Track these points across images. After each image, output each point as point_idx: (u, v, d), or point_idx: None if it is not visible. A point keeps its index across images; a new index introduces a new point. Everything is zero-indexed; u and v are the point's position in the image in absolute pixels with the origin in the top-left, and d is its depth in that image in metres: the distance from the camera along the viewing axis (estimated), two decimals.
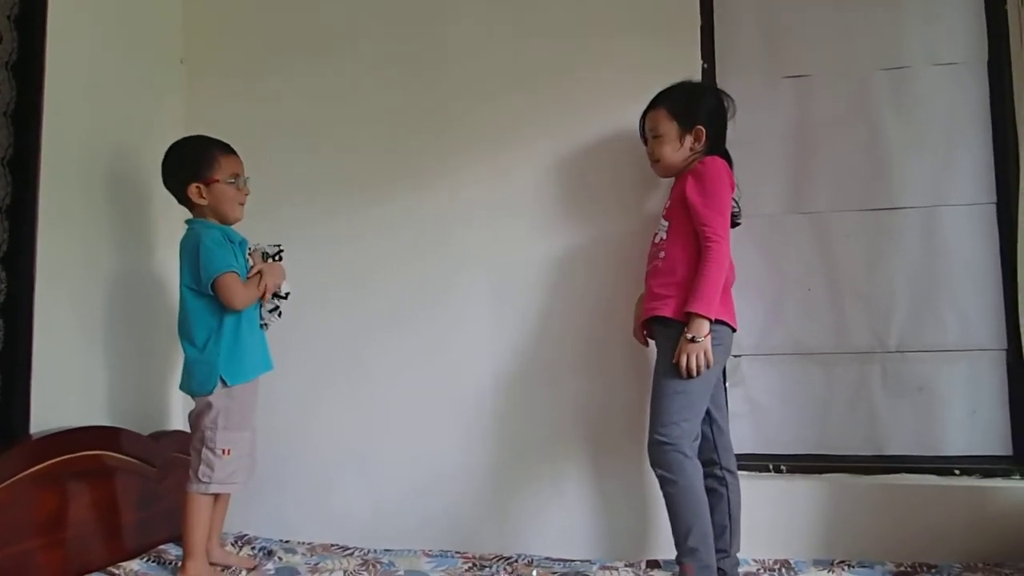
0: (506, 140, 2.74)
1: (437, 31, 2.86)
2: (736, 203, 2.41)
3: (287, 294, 2.41)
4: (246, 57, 3.01)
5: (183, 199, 2.40)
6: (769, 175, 2.71)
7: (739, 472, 2.56)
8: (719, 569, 2.24)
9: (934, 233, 2.60)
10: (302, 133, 2.92)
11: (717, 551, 2.23)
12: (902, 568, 2.33)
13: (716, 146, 2.40)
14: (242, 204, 2.42)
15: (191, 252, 2.31)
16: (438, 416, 2.73)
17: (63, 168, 2.41)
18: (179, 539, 2.59)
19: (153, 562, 2.43)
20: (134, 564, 2.38)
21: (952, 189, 2.60)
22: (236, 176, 2.39)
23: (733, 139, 2.68)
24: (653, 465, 2.22)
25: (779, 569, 2.37)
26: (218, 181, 2.36)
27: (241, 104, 2.97)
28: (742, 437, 2.65)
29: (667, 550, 2.45)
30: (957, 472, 2.49)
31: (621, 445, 2.61)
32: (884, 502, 2.48)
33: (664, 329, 2.29)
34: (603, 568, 2.42)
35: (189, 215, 2.44)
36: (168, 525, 2.60)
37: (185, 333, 2.35)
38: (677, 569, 2.19)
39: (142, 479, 2.53)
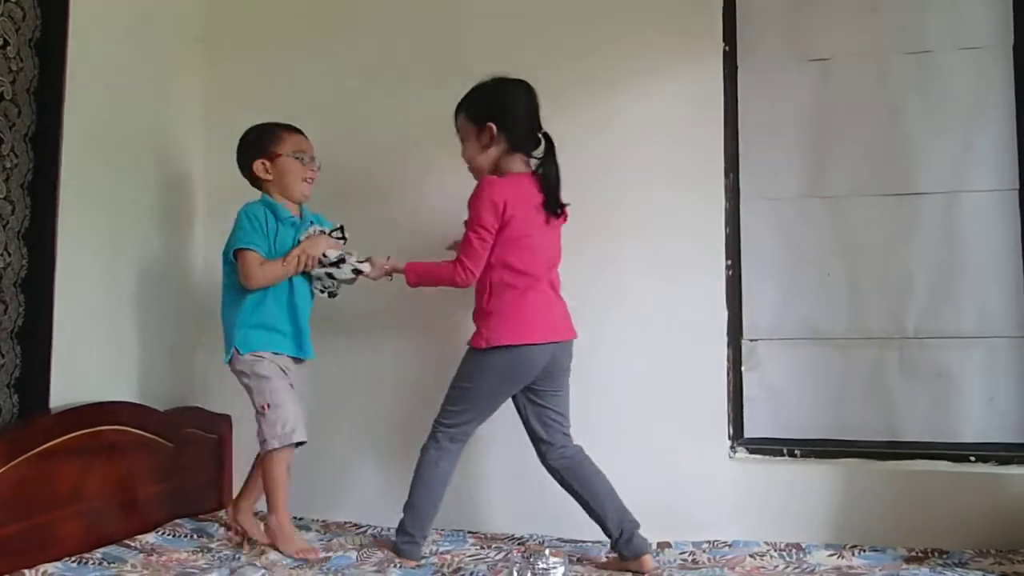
0: None
1: (456, 7, 2.85)
2: (562, 203, 2.37)
3: (339, 259, 2.38)
4: (264, 36, 3.01)
5: (253, 179, 2.44)
6: (789, 158, 2.70)
7: (754, 455, 2.57)
8: (618, 553, 2.30)
9: (954, 219, 2.58)
10: (320, 111, 2.92)
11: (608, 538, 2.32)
12: (915, 553, 2.33)
13: (521, 143, 2.34)
14: (307, 181, 2.44)
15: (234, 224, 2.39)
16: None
17: (84, 145, 2.43)
18: (195, 514, 2.64)
19: (169, 535, 2.46)
20: (150, 537, 2.41)
21: (973, 175, 2.57)
22: (302, 152, 2.42)
23: (754, 122, 2.68)
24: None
25: (791, 551, 2.37)
26: (281, 155, 2.39)
27: (259, 83, 2.98)
28: (757, 421, 2.65)
29: (679, 532, 2.47)
30: (973, 459, 2.47)
31: (630, 429, 2.61)
32: (899, 488, 2.47)
33: (466, 356, 2.36)
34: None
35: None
36: (184, 500, 2.65)
37: (222, 297, 2.43)
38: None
39: (159, 454, 2.56)
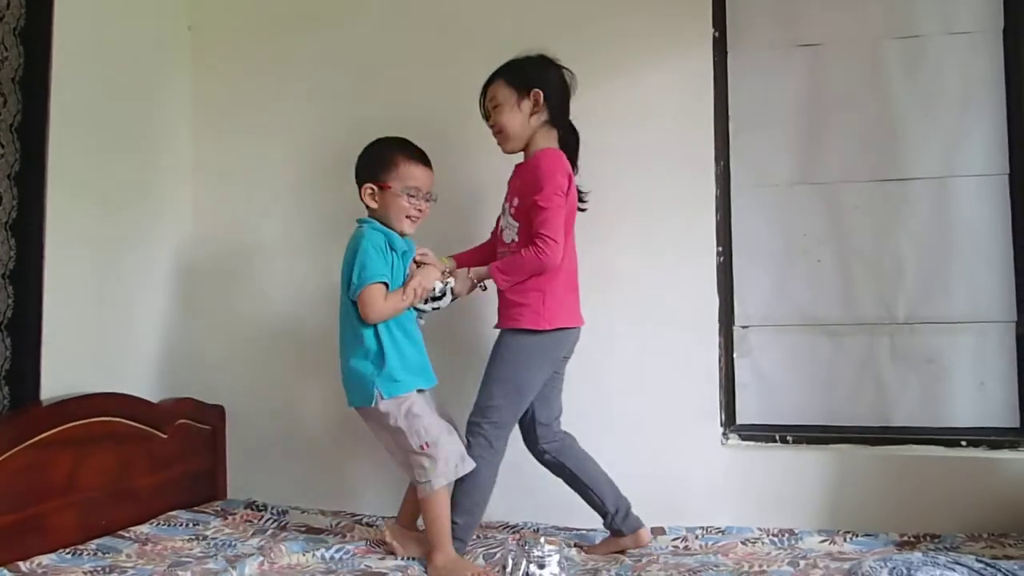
0: None
1: (447, 2, 2.84)
2: (580, 190, 2.37)
3: (443, 292, 2.27)
4: (254, 24, 2.99)
5: (361, 199, 2.29)
6: (779, 145, 2.69)
7: (746, 442, 2.58)
8: (613, 530, 2.33)
9: (945, 204, 2.58)
10: (312, 100, 2.91)
11: (602, 516, 2.34)
12: (907, 538, 2.35)
13: (558, 118, 2.33)
14: (411, 218, 2.27)
15: (352, 255, 2.22)
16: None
17: (71, 134, 2.42)
18: (189, 504, 2.64)
19: (164, 525, 2.46)
20: (144, 528, 2.42)
21: (964, 160, 2.57)
22: (416, 190, 2.26)
23: (745, 108, 2.67)
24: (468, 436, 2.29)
25: (783, 537, 2.39)
26: (390, 188, 2.25)
27: (248, 71, 2.96)
28: (749, 407, 2.66)
29: (671, 518, 2.48)
30: (964, 444, 2.49)
31: (622, 416, 2.61)
32: (891, 473, 2.48)
33: (517, 338, 2.27)
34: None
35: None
36: (178, 490, 2.64)
37: (346, 340, 2.28)
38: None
39: (152, 445, 2.56)
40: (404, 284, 2.23)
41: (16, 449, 2.11)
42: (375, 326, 2.20)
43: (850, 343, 2.63)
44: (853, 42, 2.66)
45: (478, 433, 2.26)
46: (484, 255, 2.43)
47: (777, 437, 2.61)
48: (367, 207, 2.29)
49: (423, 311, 2.30)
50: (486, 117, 2.38)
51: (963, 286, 2.56)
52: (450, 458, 2.19)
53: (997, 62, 2.56)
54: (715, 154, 2.65)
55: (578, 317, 2.34)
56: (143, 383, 2.66)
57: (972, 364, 2.55)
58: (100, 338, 2.57)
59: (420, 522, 2.34)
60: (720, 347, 2.63)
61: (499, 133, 2.33)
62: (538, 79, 2.30)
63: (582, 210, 2.39)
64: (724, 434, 2.62)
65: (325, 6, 2.92)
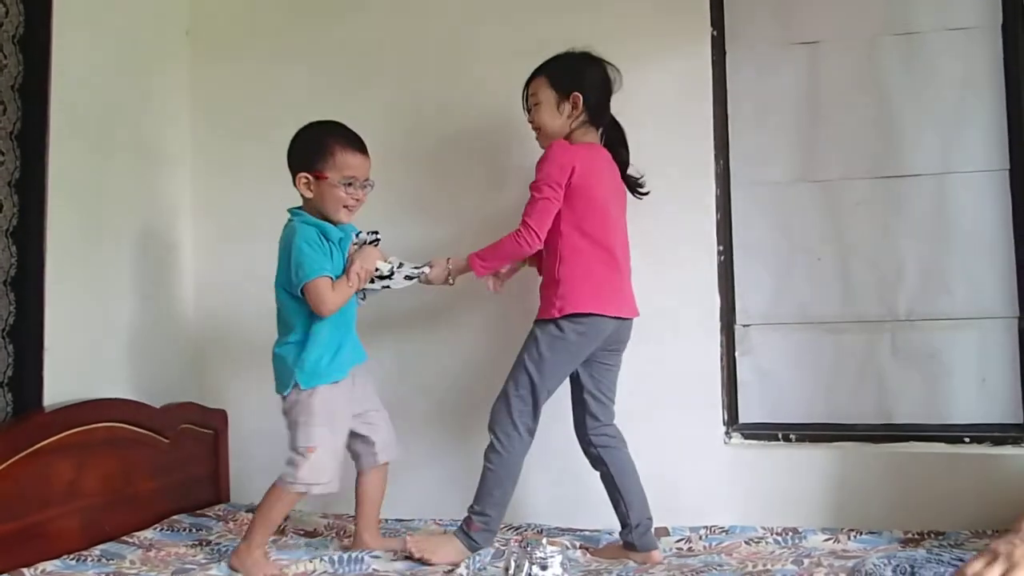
0: (518, 106, 2.72)
1: (446, 2, 2.84)
2: (635, 177, 2.42)
3: (391, 271, 2.27)
4: (252, 29, 2.99)
5: (295, 185, 2.25)
6: (778, 143, 2.69)
7: (749, 441, 2.58)
8: (627, 542, 2.30)
9: (945, 201, 2.58)
10: (309, 105, 2.90)
11: (621, 525, 2.31)
12: (910, 535, 2.34)
13: (597, 116, 2.35)
14: (348, 208, 2.23)
15: (286, 251, 2.20)
16: (444, 386, 2.75)
17: (71, 141, 2.42)
18: (192, 509, 2.64)
19: (167, 530, 2.46)
20: (148, 533, 2.42)
21: (964, 156, 2.57)
22: (353, 179, 2.21)
23: (743, 107, 2.67)
24: (490, 425, 2.29)
25: (787, 536, 2.38)
26: (327, 179, 2.19)
27: (247, 76, 2.96)
28: (751, 406, 2.66)
29: (675, 518, 2.48)
30: (967, 440, 2.49)
31: (624, 416, 2.61)
32: (893, 470, 2.48)
33: (536, 327, 2.30)
34: (611, 537, 2.44)
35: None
36: (180, 495, 2.64)
37: (279, 328, 2.27)
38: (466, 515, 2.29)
39: (154, 450, 2.56)
40: (345, 270, 2.21)
41: (19, 456, 2.10)
42: (308, 317, 2.19)
43: (851, 340, 2.63)
44: (851, 39, 2.66)
45: (505, 424, 2.26)
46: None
47: (779, 435, 2.61)
48: (301, 196, 2.26)
49: (371, 290, 2.30)
50: (527, 110, 2.40)
51: (964, 282, 2.56)
52: (321, 472, 2.17)
53: (996, 57, 2.56)
54: (714, 153, 2.65)
55: (603, 305, 2.27)
56: (145, 388, 2.66)
57: (974, 360, 2.54)
58: (102, 344, 2.57)
59: (428, 526, 2.34)
60: (722, 346, 2.63)
61: (537, 130, 2.37)
62: (579, 81, 2.31)
63: (641, 195, 2.43)
64: (726, 433, 2.62)
65: (323, 11, 2.92)
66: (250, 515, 2.62)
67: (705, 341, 2.62)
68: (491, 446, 2.28)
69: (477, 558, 2.20)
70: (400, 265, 2.30)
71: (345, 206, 2.23)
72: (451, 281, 2.34)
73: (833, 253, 2.65)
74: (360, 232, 2.29)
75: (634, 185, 2.44)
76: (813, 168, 2.67)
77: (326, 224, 2.23)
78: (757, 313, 2.68)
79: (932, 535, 2.33)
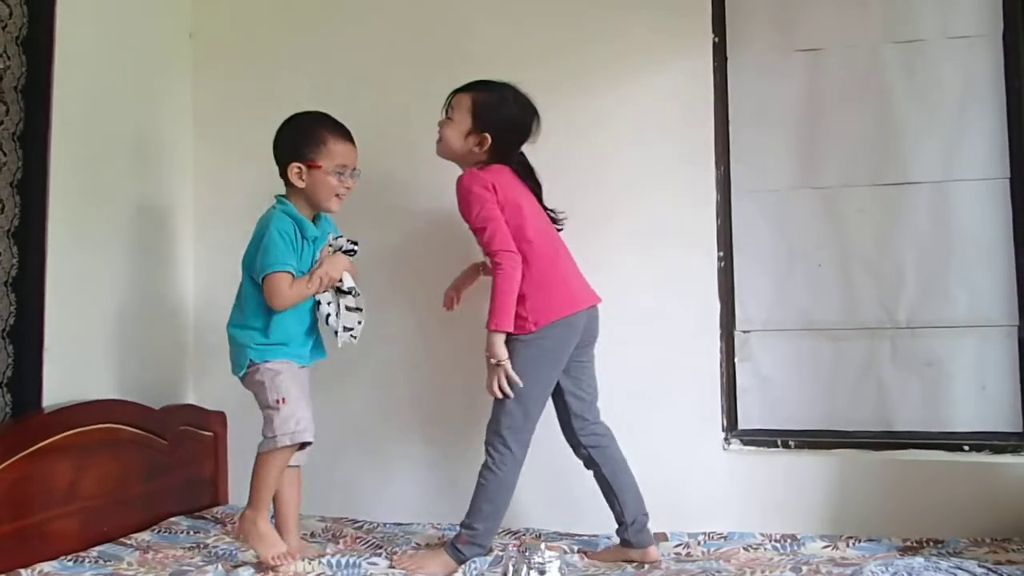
0: None
1: (447, 5, 2.85)
2: (551, 212, 2.41)
3: (351, 289, 2.26)
4: (254, 31, 3.00)
5: (283, 175, 2.26)
6: (779, 150, 2.70)
7: (748, 447, 2.58)
8: (623, 539, 2.31)
9: (945, 208, 2.58)
10: (311, 107, 2.90)
11: (617, 523, 2.32)
12: (909, 543, 2.34)
13: (499, 157, 2.33)
14: (339, 196, 2.26)
15: (259, 236, 2.21)
16: (443, 389, 2.75)
17: (73, 142, 2.42)
18: (190, 511, 2.64)
19: (165, 532, 2.46)
20: (146, 535, 2.41)
21: (964, 164, 2.57)
22: (344, 167, 2.24)
23: (745, 113, 2.68)
24: (486, 444, 2.29)
25: (786, 543, 2.38)
26: (320, 168, 2.21)
27: (249, 78, 2.97)
28: (750, 412, 2.66)
29: (673, 524, 2.48)
30: (966, 448, 2.49)
31: (624, 422, 2.61)
32: (893, 478, 2.48)
33: (509, 345, 2.25)
34: (610, 542, 2.44)
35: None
36: (179, 497, 2.64)
37: (235, 308, 2.29)
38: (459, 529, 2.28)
39: (153, 452, 2.56)
40: (311, 271, 2.22)
41: (18, 456, 2.10)
42: (267, 309, 2.20)
43: (851, 347, 2.63)
44: (852, 46, 2.66)
45: (497, 442, 2.27)
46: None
47: (779, 442, 2.61)
48: (291, 186, 2.25)
49: (349, 332, 2.27)
50: (444, 113, 2.38)
51: (964, 289, 2.56)
52: (295, 420, 2.17)
53: (996, 65, 2.57)
54: (715, 159, 2.66)
55: (573, 303, 2.30)
56: (144, 390, 2.66)
57: (974, 368, 2.54)
58: (101, 345, 2.57)
59: (425, 530, 2.33)
60: (721, 352, 2.63)
61: (439, 140, 2.37)
62: (495, 123, 2.30)
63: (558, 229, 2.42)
64: (726, 439, 2.62)
65: (327, 15, 2.93)
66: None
67: (705, 347, 2.62)
68: (485, 463, 2.29)
69: (474, 565, 2.19)
70: (357, 294, 2.28)
71: (337, 195, 2.25)
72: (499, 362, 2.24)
73: (833, 260, 2.65)
74: (340, 237, 2.31)
75: (554, 219, 2.43)
76: (814, 175, 2.68)
77: (306, 221, 2.25)
78: (757, 319, 2.68)
79: (931, 543, 2.32)
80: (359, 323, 2.29)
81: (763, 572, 2.13)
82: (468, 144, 2.31)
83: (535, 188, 2.40)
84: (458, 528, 2.30)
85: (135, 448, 2.50)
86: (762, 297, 2.68)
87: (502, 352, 2.21)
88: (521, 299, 2.24)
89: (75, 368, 2.44)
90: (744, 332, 2.68)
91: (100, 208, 2.57)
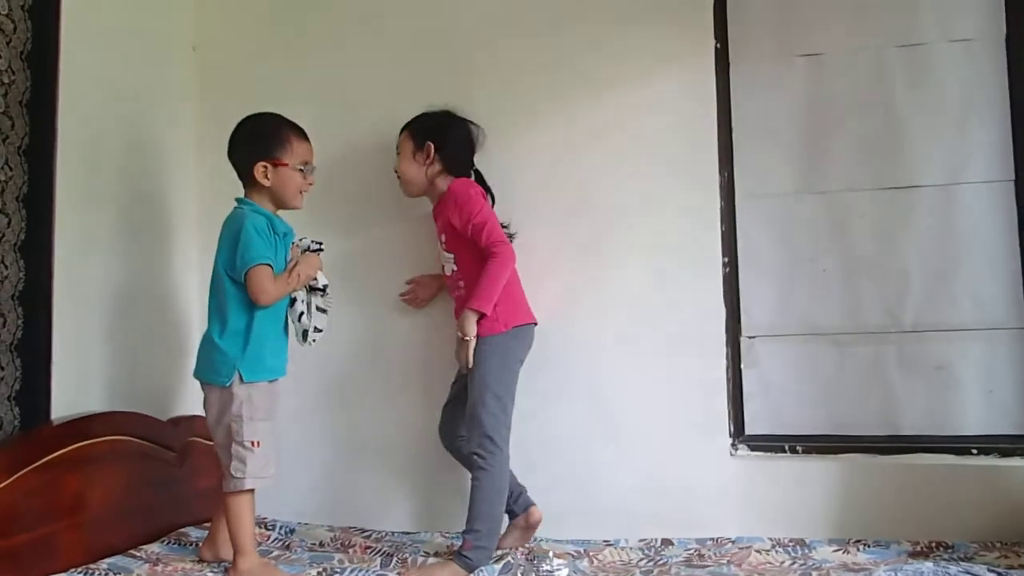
0: (520, 123, 2.74)
1: (450, 17, 2.85)
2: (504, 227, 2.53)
3: (325, 287, 2.33)
4: (258, 43, 3.01)
5: (245, 175, 2.30)
6: (783, 155, 2.70)
7: (755, 453, 2.59)
8: (511, 512, 2.46)
9: (950, 211, 2.58)
10: (315, 119, 2.91)
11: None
12: (918, 547, 2.33)
13: (454, 167, 2.54)
14: (303, 193, 2.34)
15: (232, 235, 2.23)
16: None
17: (78, 156, 2.43)
18: (199, 522, 2.64)
19: (174, 544, 2.46)
20: (155, 547, 2.41)
21: (968, 167, 2.57)
22: (306, 164, 2.31)
23: (747, 119, 2.68)
24: (472, 445, 2.37)
25: (794, 547, 2.38)
26: (287, 165, 2.28)
27: (253, 90, 2.96)
28: (757, 418, 2.66)
29: (681, 530, 2.48)
30: (974, 451, 2.48)
31: (630, 429, 2.61)
32: (900, 482, 2.47)
33: (480, 346, 2.40)
34: (616, 548, 2.44)
35: (221, 191, 2.40)
36: (187, 508, 2.64)
37: (214, 315, 2.28)
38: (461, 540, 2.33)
39: (161, 463, 2.56)
40: (288, 269, 2.27)
41: (27, 469, 2.10)
42: (250, 309, 2.22)
43: (857, 352, 2.62)
44: (855, 51, 2.67)
45: (486, 443, 2.34)
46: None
47: (786, 447, 2.61)
48: (256, 185, 2.29)
49: (319, 332, 2.34)
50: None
51: (970, 293, 2.56)
52: (266, 465, 2.22)
53: (1000, 69, 2.57)
54: (719, 165, 2.66)
55: (530, 314, 2.51)
56: (152, 402, 2.66)
57: (980, 371, 2.54)
58: (109, 357, 2.57)
59: (433, 538, 2.33)
60: (727, 358, 2.63)
61: (399, 178, 2.59)
62: (434, 133, 2.51)
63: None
64: (733, 445, 2.61)
65: (331, 27, 2.94)
66: (257, 528, 2.64)
67: (711, 353, 2.62)
68: (475, 464, 2.34)
69: (483, 573, 2.19)
70: (328, 294, 2.36)
71: (302, 191, 2.33)
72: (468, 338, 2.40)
73: (838, 265, 2.65)
74: (304, 238, 2.36)
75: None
76: (817, 180, 2.68)
77: (275, 216, 2.31)
78: (763, 325, 2.68)
79: (940, 547, 2.32)
80: (322, 330, 2.36)
81: None
82: (420, 163, 2.52)
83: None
84: (462, 537, 2.32)
85: (144, 460, 2.50)
86: (767, 303, 2.68)
87: (473, 330, 2.37)
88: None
89: (83, 381, 2.44)
90: (750, 338, 2.68)
91: (105, 221, 2.58)
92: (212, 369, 2.25)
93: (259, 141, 2.29)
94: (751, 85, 2.71)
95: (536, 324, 2.52)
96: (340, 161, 2.85)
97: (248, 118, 2.36)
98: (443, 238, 2.53)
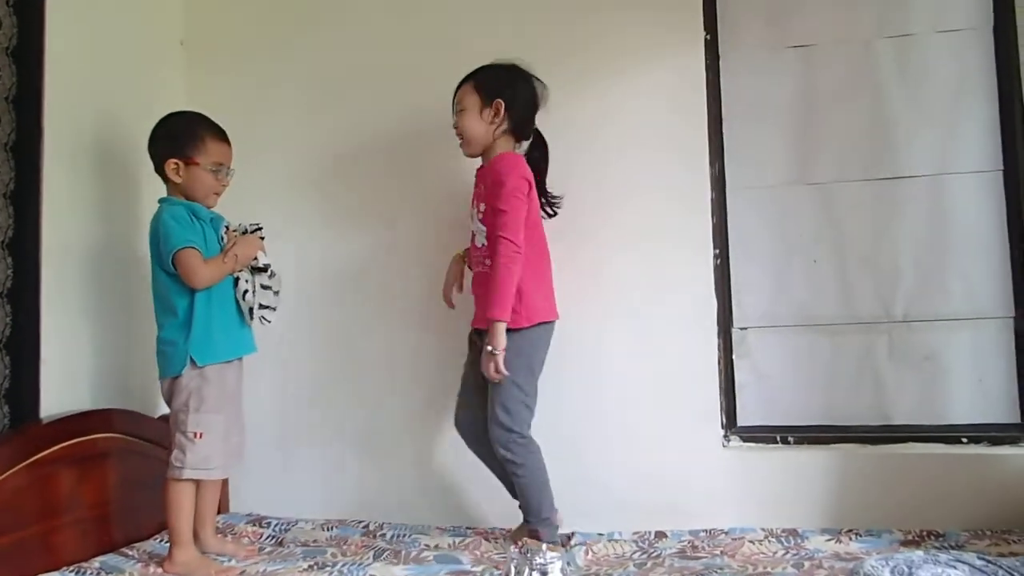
0: None
1: (439, 8, 2.84)
2: (553, 195, 2.49)
3: (267, 266, 2.35)
4: (246, 39, 2.99)
5: (159, 171, 2.32)
6: (773, 146, 2.70)
7: (747, 443, 2.60)
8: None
9: (940, 201, 2.59)
10: (304, 113, 2.91)
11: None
12: (910, 536, 2.34)
13: (521, 128, 2.42)
14: (217, 195, 2.34)
15: (154, 231, 2.25)
16: (451, 393, 2.75)
17: (65, 152, 2.42)
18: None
19: (167, 542, 2.45)
20: (147, 545, 2.41)
21: (958, 157, 2.58)
22: (219, 165, 2.31)
23: (738, 110, 2.68)
24: (498, 447, 2.33)
25: (787, 538, 2.38)
26: (198, 164, 2.28)
27: (241, 86, 2.96)
28: (749, 409, 2.66)
29: (674, 522, 2.48)
30: (965, 440, 2.49)
31: (622, 420, 2.62)
32: (892, 471, 2.48)
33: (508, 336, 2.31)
34: (610, 541, 2.44)
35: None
36: None
37: (159, 314, 2.29)
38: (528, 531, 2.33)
39: (152, 460, 2.54)
40: (224, 250, 2.28)
41: (17, 467, 2.09)
42: (190, 295, 2.22)
43: (848, 342, 2.63)
44: (845, 42, 2.67)
45: (514, 438, 2.31)
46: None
47: (778, 438, 2.61)
48: (170, 182, 2.30)
49: (244, 300, 2.31)
50: (454, 116, 2.44)
51: (960, 282, 2.57)
52: (209, 457, 2.23)
53: (988, 58, 2.57)
54: (710, 156, 2.66)
55: (554, 311, 2.43)
56: (142, 399, 2.65)
57: (971, 360, 2.55)
58: (98, 355, 2.56)
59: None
60: (719, 349, 2.64)
61: (460, 136, 2.41)
62: (504, 89, 2.37)
63: (552, 214, 2.50)
64: (725, 436, 2.62)
65: (318, 21, 2.93)
66: (250, 526, 2.64)
67: (703, 344, 2.62)
68: (510, 461, 2.32)
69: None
70: (273, 274, 2.36)
71: (215, 192, 2.33)
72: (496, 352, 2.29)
73: (829, 255, 2.65)
74: (240, 223, 2.37)
75: (551, 202, 2.50)
76: (808, 170, 2.68)
77: (196, 204, 2.30)
78: (754, 316, 2.68)
79: (931, 536, 2.33)
80: (273, 308, 2.35)
81: (766, 568, 2.14)
82: (486, 121, 2.37)
83: (542, 179, 2.47)
84: (527, 526, 2.34)
85: (134, 457, 2.49)
86: (759, 294, 2.68)
87: (502, 342, 2.26)
88: (520, 295, 2.30)
89: (72, 378, 2.43)
90: (741, 329, 2.68)
91: (94, 217, 2.56)
92: (166, 363, 2.27)
93: (173, 138, 2.30)
94: (742, 75, 2.71)
95: (556, 320, 2.43)
96: (331, 156, 2.84)
97: (168, 115, 2.37)
98: (480, 207, 2.40)
